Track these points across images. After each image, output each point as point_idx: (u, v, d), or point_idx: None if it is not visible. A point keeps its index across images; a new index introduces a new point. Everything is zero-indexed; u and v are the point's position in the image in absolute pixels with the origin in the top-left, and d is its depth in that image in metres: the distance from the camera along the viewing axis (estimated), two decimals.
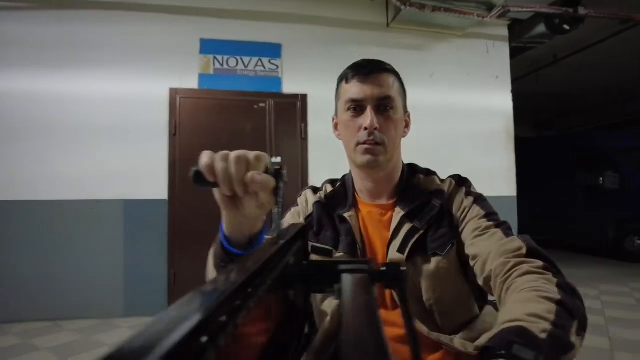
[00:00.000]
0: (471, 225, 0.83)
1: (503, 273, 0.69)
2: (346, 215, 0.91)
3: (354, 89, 0.88)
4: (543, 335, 0.50)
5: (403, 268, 0.44)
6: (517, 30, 4.53)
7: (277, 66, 3.84)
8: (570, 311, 0.56)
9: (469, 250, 0.81)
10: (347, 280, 0.37)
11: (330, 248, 0.91)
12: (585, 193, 6.72)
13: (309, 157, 3.81)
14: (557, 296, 0.58)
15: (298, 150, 3.80)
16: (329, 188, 1.01)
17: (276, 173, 0.54)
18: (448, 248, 0.84)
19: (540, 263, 0.68)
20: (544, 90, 7.98)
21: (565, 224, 6.97)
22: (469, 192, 0.92)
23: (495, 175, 4.22)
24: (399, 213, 0.89)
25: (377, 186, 0.94)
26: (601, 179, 6.32)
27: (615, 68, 7.27)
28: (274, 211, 0.53)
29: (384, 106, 0.88)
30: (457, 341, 0.79)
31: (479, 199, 0.89)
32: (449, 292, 0.84)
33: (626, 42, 5.83)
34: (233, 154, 0.52)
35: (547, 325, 0.52)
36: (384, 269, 0.44)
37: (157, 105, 3.61)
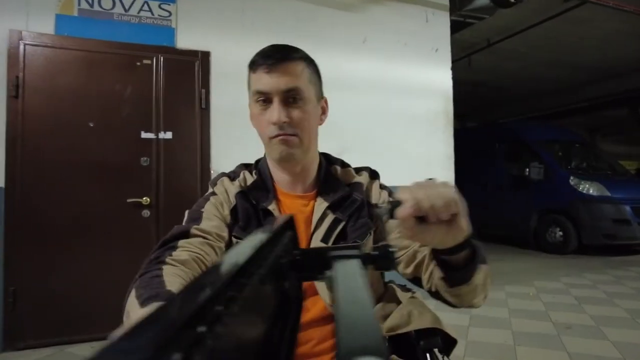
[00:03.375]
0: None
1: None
2: (270, 208, 0.88)
3: (261, 80, 0.83)
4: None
5: (393, 249, 0.47)
6: (459, 1, 4.06)
7: (170, 13, 2.93)
8: (483, 256, 0.68)
9: (396, 242, 0.82)
10: (339, 266, 0.38)
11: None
12: (512, 184, 6.68)
13: (211, 134, 2.97)
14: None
15: (196, 124, 2.95)
16: (248, 176, 0.95)
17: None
18: (367, 238, 0.87)
19: None
20: (472, 78, 7.82)
21: (492, 215, 6.90)
22: (382, 185, 0.98)
23: (433, 161, 3.71)
24: (321, 204, 0.90)
25: (295, 178, 0.92)
26: (527, 170, 6.27)
27: (542, 59, 7.25)
28: None
29: (292, 98, 0.83)
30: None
31: (392, 194, 0.94)
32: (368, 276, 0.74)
33: (562, 27, 5.68)
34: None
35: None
36: (376, 252, 0.46)
37: None
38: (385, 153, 3.48)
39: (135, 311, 0.57)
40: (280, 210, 0.89)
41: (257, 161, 0.98)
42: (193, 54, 2.95)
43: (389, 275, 0.91)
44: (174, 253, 0.71)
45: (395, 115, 3.59)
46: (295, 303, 0.47)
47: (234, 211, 0.88)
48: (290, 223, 0.49)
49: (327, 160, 1.00)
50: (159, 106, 2.85)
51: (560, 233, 5.93)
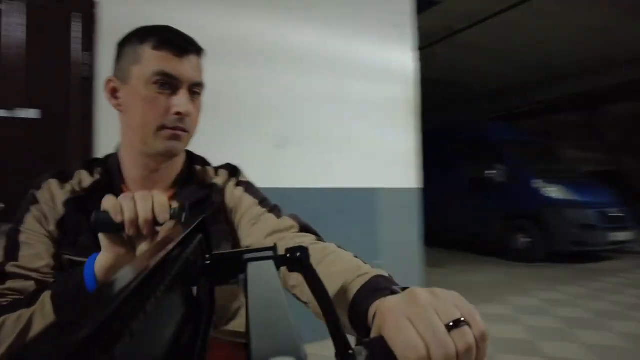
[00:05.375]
0: (246, 218, 0.83)
1: (284, 247, 0.52)
2: None
3: (168, 63, 0.75)
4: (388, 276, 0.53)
5: (305, 252, 0.44)
6: None
7: None
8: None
9: (246, 242, 0.80)
10: (252, 269, 0.38)
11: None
12: (472, 187, 6.26)
13: (96, 114, 2.15)
14: (351, 252, 0.63)
15: (74, 99, 2.12)
16: (86, 177, 0.80)
17: (178, 212, 0.55)
18: (223, 245, 0.81)
19: (313, 237, 0.76)
20: (429, 74, 7.38)
21: (451, 220, 6.46)
22: (239, 182, 0.91)
23: (393, 159, 3.08)
24: None
25: (156, 176, 0.82)
26: (489, 172, 5.87)
27: (504, 54, 6.91)
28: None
29: (195, 92, 0.80)
30: (228, 331, 0.81)
31: (249, 187, 0.89)
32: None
33: (527, 19, 5.29)
34: (138, 193, 0.54)
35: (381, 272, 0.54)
36: (288, 254, 0.44)
37: None
38: (336, 147, 2.81)
39: None
40: None
41: (107, 158, 0.86)
42: (70, 2, 2.12)
43: None
44: None
45: (348, 101, 2.92)
46: (206, 309, 0.46)
47: (60, 224, 0.74)
48: (201, 226, 0.48)
49: (190, 159, 0.92)
50: (15, 72, 2.00)
51: (526, 239, 5.52)
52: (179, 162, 0.87)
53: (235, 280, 0.43)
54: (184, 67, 0.76)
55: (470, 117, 9.45)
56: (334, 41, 2.90)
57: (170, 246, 0.32)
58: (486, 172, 5.95)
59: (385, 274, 0.52)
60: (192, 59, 0.78)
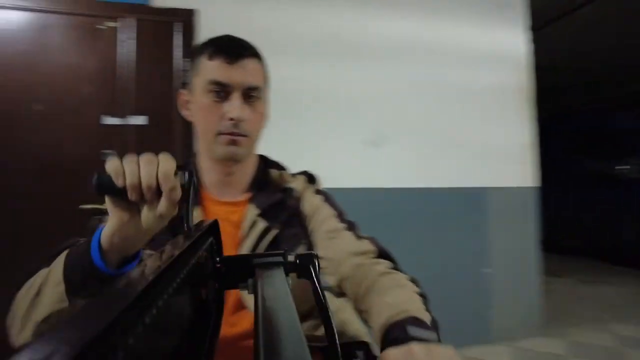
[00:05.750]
0: (324, 227, 0.85)
1: (359, 274, 0.73)
2: None
3: (220, 71, 0.79)
4: (427, 321, 0.59)
5: (315, 259, 0.46)
6: None
7: None
8: (424, 298, 0.67)
9: (322, 252, 0.82)
10: (261, 274, 0.39)
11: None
12: (598, 184, 5.42)
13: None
14: (417, 289, 0.68)
15: (176, 105, 2.21)
16: None
17: (184, 179, 0.51)
18: (297, 248, 0.84)
19: (389, 264, 0.76)
20: (544, 57, 6.56)
21: (566, 221, 5.68)
22: (318, 190, 0.93)
23: (504, 154, 2.72)
24: (252, 211, 0.85)
25: (229, 179, 0.87)
26: (621, 167, 5.04)
27: (633, 30, 5.87)
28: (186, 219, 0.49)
29: (250, 96, 0.82)
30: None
31: (328, 197, 0.92)
32: (304, 287, 0.69)
33: None
34: (143, 156, 0.51)
35: (427, 314, 0.61)
36: (297, 260, 0.46)
37: None
38: (437, 142, 2.56)
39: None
40: (204, 218, 0.81)
41: (186, 163, 0.92)
42: (173, 12, 2.22)
43: None
44: None
45: (450, 91, 2.65)
46: (215, 312, 0.46)
47: None
48: (213, 229, 0.49)
49: (265, 163, 0.96)
50: (128, 84, 2.14)
51: None
52: (251, 166, 0.91)
53: (244, 284, 0.43)
54: (235, 73, 0.79)
55: (593, 104, 8.27)
56: (433, 25, 2.66)
57: (179, 250, 0.32)
58: (616, 167, 5.11)
59: (422, 317, 0.58)
60: (246, 63, 0.80)
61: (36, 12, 2.06)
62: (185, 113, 0.90)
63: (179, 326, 0.33)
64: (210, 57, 0.80)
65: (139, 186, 0.50)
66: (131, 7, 2.17)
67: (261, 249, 0.81)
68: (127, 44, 2.15)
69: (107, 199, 0.52)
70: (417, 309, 0.61)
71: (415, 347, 0.50)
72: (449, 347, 0.51)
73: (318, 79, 2.40)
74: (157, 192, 0.50)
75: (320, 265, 0.82)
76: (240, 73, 0.79)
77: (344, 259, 0.78)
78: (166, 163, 0.50)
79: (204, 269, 0.42)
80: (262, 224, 0.83)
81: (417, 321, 0.57)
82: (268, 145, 2.20)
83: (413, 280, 0.71)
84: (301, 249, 0.83)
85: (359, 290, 0.72)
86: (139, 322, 0.21)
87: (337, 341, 0.47)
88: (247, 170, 0.90)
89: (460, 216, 2.57)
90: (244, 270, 0.43)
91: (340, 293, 0.87)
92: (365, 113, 2.47)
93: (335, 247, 0.81)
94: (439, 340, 0.57)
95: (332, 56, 2.44)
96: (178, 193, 0.50)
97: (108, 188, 0.49)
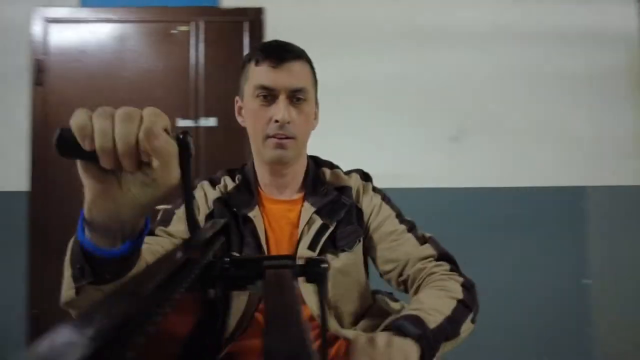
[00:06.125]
0: (385, 228, 0.88)
1: (419, 277, 0.80)
2: (250, 215, 0.86)
3: (266, 75, 0.81)
4: (432, 325, 0.67)
5: (325, 265, 0.46)
6: None
7: None
8: (468, 305, 0.74)
9: (387, 253, 0.86)
10: (270, 276, 0.39)
11: (233, 253, 0.80)
12: None
13: None
14: (460, 295, 0.74)
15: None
16: (229, 182, 0.92)
17: (182, 139, 0.41)
18: (355, 245, 0.87)
19: (448, 266, 0.81)
20: None
21: None
22: (375, 188, 0.94)
23: (611, 148, 2.34)
24: (308, 209, 0.87)
25: (282, 181, 0.90)
26: None
27: None
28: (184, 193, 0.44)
29: (297, 98, 0.83)
30: (354, 333, 0.83)
31: (386, 197, 0.94)
32: (353, 286, 0.87)
33: None
34: (120, 110, 0.38)
35: (440, 319, 0.69)
36: (306, 264, 0.46)
37: (12, 40, 2.18)
38: (529, 135, 2.28)
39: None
40: (264, 217, 0.88)
41: (243, 166, 0.96)
42: (241, 12, 2.21)
43: (378, 284, 0.94)
44: None
45: (544, 76, 2.33)
46: (221, 313, 0.46)
47: (209, 217, 0.87)
48: (223, 229, 0.48)
49: (316, 163, 0.98)
50: (198, 84, 2.18)
51: None
52: (302, 166, 0.93)
53: (252, 286, 0.43)
54: (280, 77, 0.81)
55: None
56: (523, 2, 2.36)
57: (196, 249, 0.32)
58: None
59: (426, 319, 0.68)
60: (291, 66, 0.82)
61: (116, 23, 2.17)
62: (239, 119, 0.93)
63: (186, 326, 0.33)
64: (257, 63, 0.83)
65: (112, 150, 0.38)
66: (202, 10, 2.20)
67: (318, 245, 0.84)
68: (198, 46, 2.18)
69: (77, 163, 0.41)
70: (435, 311, 0.70)
71: (380, 336, 0.61)
72: (411, 343, 0.62)
73: (392, 70, 2.24)
74: (139, 158, 0.39)
75: (383, 269, 0.87)
76: (285, 76, 0.81)
77: (408, 264, 0.83)
78: (152, 118, 0.39)
79: (214, 269, 0.41)
80: (318, 222, 0.86)
81: (415, 319, 0.67)
82: (342, 141, 2.13)
83: (464, 285, 0.77)
84: (359, 246, 0.88)
85: (414, 291, 0.81)
86: (148, 321, 0.21)
87: (326, 345, 0.53)
88: (299, 171, 0.92)
89: (555, 219, 2.25)
90: (253, 272, 0.43)
91: (396, 298, 0.96)
92: (446, 105, 2.26)
93: (398, 251, 0.85)
94: (432, 342, 0.65)
95: (408, 45, 2.27)
96: (170, 151, 0.39)
97: (73, 149, 0.37)
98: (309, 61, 0.87)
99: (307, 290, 0.82)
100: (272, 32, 2.19)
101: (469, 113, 2.25)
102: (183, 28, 2.18)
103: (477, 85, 2.27)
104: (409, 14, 2.28)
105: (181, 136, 0.41)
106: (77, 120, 0.37)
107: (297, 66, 0.82)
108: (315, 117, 0.93)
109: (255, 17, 2.20)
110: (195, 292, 0.35)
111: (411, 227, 0.88)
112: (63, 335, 0.14)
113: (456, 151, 2.23)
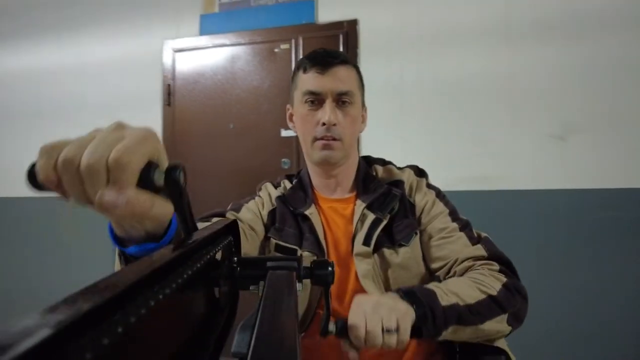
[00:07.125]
0: (437, 224, 0.87)
1: (470, 275, 0.78)
2: (307, 212, 0.90)
3: (313, 81, 0.86)
4: (444, 303, 0.68)
5: (330, 267, 0.47)
6: None
7: None
8: (501, 305, 0.71)
9: (435, 250, 0.85)
10: (272, 277, 0.39)
11: (294, 247, 0.88)
12: None
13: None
14: (494, 292, 0.72)
15: None
16: (287, 184, 0.99)
17: (169, 176, 0.34)
18: (412, 238, 0.86)
19: (497, 266, 0.78)
20: None
21: None
22: (429, 184, 0.94)
23: None
24: (360, 205, 0.89)
25: (333, 181, 0.93)
26: None
27: None
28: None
29: (343, 101, 0.86)
30: None
31: (440, 193, 0.93)
32: (414, 281, 0.86)
33: None
34: (84, 160, 0.31)
35: (457, 302, 0.69)
36: (311, 266, 0.46)
37: (148, 68, 2.59)
38: None
39: None
40: (320, 215, 0.91)
41: (299, 171, 1.02)
42: (337, 26, 2.34)
43: None
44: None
45: (586, 68, 2.05)
46: (227, 312, 0.45)
47: (272, 213, 0.93)
48: (230, 227, 0.47)
49: (368, 161, 1.00)
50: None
51: None
52: (353, 165, 0.95)
53: (256, 286, 0.43)
54: (326, 81, 0.85)
55: None
56: None
57: (188, 247, 0.31)
58: None
59: (433, 289, 0.71)
60: (337, 70, 0.86)
61: (228, 47, 2.46)
62: (290, 125, 0.97)
63: (182, 319, 0.32)
64: (305, 71, 0.88)
65: (82, 190, 0.32)
66: (301, 28, 2.38)
67: (373, 240, 0.85)
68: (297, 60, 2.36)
69: None
70: (455, 295, 0.70)
71: (368, 296, 0.68)
72: (408, 308, 0.65)
73: (490, 68, 2.17)
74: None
75: (432, 267, 0.86)
76: (331, 80, 0.85)
77: (457, 263, 0.82)
78: (131, 145, 0.32)
79: (219, 267, 0.41)
80: (371, 217, 0.87)
81: (428, 291, 0.70)
82: (435, 141, 2.12)
83: (506, 285, 0.74)
84: (416, 240, 0.87)
85: None
86: (133, 314, 0.19)
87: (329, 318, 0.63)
88: (349, 171, 0.94)
89: None
90: (258, 272, 0.43)
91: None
92: (550, 101, 2.12)
93: (447, 249, 0.84)
94: (434, 317, 0.67)
95: (506, 40, 2.18)
96: (142, 204, 0.33)
97: (42, 186, 0.33)
98: (355, 66, 0.91)
99: (367, 282, 0.83)
100: (367, 43, 2.28)
101: (575, 110, 2.08)
102: (284, 46, 2.38)
103: (584, 79, 2.07)
104: (501, 11, 2.19)
105: (168, 171, 0.35)
106: (41, 165, 0.32)
107: (342, 71, 0.86)
108: (363, 120, 0.95)
109: (349, 29, 2.32)
110: (195, 288, 0.35)
111: (464, 226, 0.86)
112: (25, 322, 0.14)
113: (560, 150, 2.08)
